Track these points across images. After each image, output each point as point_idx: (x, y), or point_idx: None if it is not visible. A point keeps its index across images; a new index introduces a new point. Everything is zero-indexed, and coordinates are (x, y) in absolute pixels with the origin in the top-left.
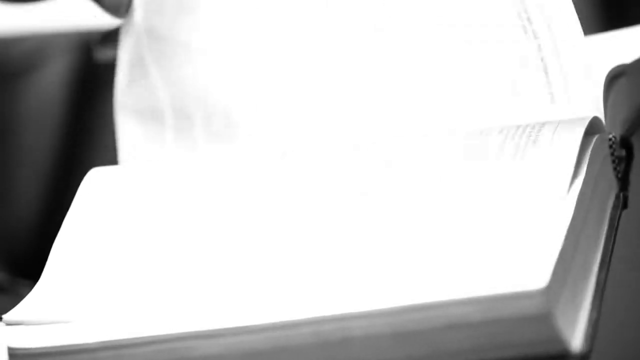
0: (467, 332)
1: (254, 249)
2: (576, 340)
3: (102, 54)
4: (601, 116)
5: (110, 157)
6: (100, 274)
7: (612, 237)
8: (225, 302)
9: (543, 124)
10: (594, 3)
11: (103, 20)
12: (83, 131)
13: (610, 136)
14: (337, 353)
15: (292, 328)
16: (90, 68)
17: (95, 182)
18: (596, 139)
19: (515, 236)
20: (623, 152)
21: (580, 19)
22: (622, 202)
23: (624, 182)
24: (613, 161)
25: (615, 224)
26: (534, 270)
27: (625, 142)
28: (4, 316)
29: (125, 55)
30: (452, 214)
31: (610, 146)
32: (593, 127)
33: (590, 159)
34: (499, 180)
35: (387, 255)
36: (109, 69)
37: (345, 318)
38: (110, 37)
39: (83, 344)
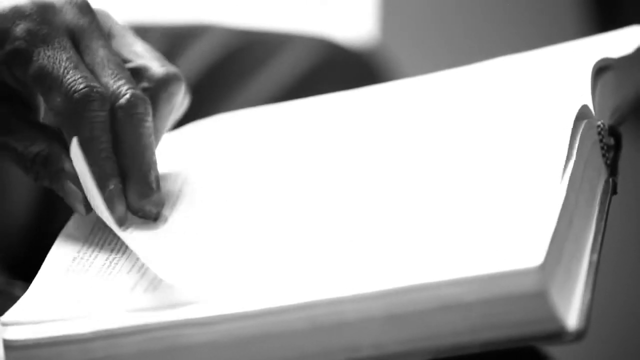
0: (462, 312)
1: (247, 235)
2: (572, 319)
3: None
4: (590, 105)
5: None
6: (93, 270)
7: (603, 221)
8: (216, 289)
9: (534, 110)
10: (587, 4)
11: None
12: None
13: (599, 123)
14: (331, 338)
15: (285, 313)
16: None
17: None
18: (585, 124)
19: (509, 216)
20: (612, 141)
21: (575, 19)
22: (611, 188)
23: (612, 168)
24: (602, 147)
25: (606, 208)
26: (529, 248)
27: (613, 131)
28: (1, 318)
29: None
30: (447, 196)
31: (599, 133)
32: (582, 115)
33: (579, 143)
34: (494, 163)
35: (380, 237)
36: None
37: (338, 302)
38: None
39: (76, 335)
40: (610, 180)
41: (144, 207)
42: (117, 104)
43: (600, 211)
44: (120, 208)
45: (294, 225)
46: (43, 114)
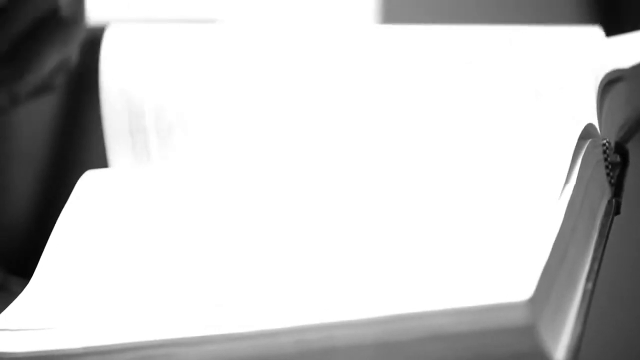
0: (450, 343)
1: (239, 257)
2: (559, 354)
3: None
4: (595, 122)
5: (104, 158)
6: (88, 280)
7: (603, 245)
8: (207, 309)
9: (536, 128)
10: (590, 9)
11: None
12: (77, 132)
13: (604, 142)
14: None
15: (274, 336)
16: (84, 69)
17: (89, 184)
18: (589, 144)
19: (502, 246)
20: (617, 158)
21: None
22: (614, 208)
23: (617, 188)
24: (607, 167)
25: (606, 231)
26: (519, 281)
27: (620, 148)
28: None
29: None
30: (440, 222)
31: (604, 151)
32: (586, 133)
33: (582, 163)
34: (490, 186)
35: (372, 264)
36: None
37: (327, 327)
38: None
39: (67, 350)
40: (614, 201)
41: None
42: None
43: (600, 235)
44: None
45: (286, 247)
46: None
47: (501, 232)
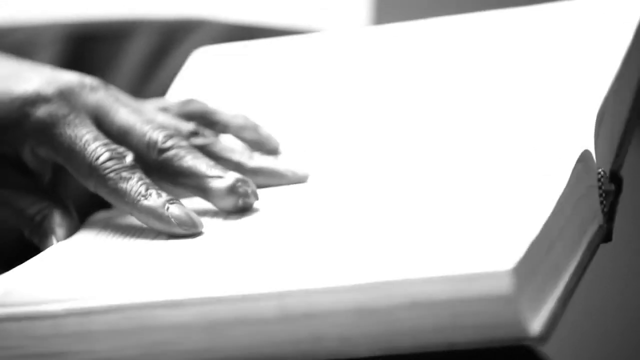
0: (430, 310)
1: (224, 222)
2: (535, 327)
3: None
4: (592, 147)
5: None
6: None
7: (588, 259)
8: (189, 272)
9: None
10: None
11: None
12: None
13: (600, 170)
14: (300, 327)
15: (256, 300)
16: (78, 59)
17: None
18: (581, 167)
19: (493, 220)
20: (612, 187)
21: None
22: (605, 234)
23: (609, 216)
24: (600, 195)
25: (593, 249)
26: (504, 251)
27: (614, 177)
28: None
29: None
30: (430, 195)
31: (599, 179)
32: (582, 157)
33: (574, 180)
34: (487, 171)
35: (355, 230)
36: (98, 60)
37: (308, 292)
38: None
39: (48, 311)
40: (605, 227)
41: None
42: (153, 156)
43: (587, 248)
44: None
45: (271, 216)
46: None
47: (492, 209)
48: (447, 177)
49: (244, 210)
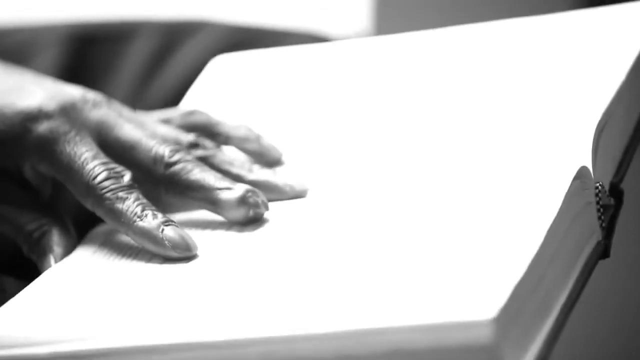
0: (411, 359)
1: (209, 264)
2: None
3: None
4: (589, 164)
5: None
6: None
7: (582, 282)
8: (175, 317)
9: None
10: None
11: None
12: None
13: (597, 185)
14: None
15: (239, 347)
16: (80, 61)
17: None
18: (577, 185)
19: (473, 266)
20: (611, 201)
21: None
22: (602, 251)
23: (608, 231)
24: (598, 210)
25: (589, 269)
26: (485, 298)
27: (614, 190)
28: None
29: None
30: (417, 221)
31: (597, 194)
32: (579, 174)
33: (569, 200)
34: (474, 205)
35: (337, 277)
36: (99, 62)
37: (290, 340)
38: None
39: (34, 354)
40: (603, 242)
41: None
42: (160, 170)
43: (582, 272)
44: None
45: (253, 259)
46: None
47: (475, 253)
48: (440, 200)
49: (254, 220)
